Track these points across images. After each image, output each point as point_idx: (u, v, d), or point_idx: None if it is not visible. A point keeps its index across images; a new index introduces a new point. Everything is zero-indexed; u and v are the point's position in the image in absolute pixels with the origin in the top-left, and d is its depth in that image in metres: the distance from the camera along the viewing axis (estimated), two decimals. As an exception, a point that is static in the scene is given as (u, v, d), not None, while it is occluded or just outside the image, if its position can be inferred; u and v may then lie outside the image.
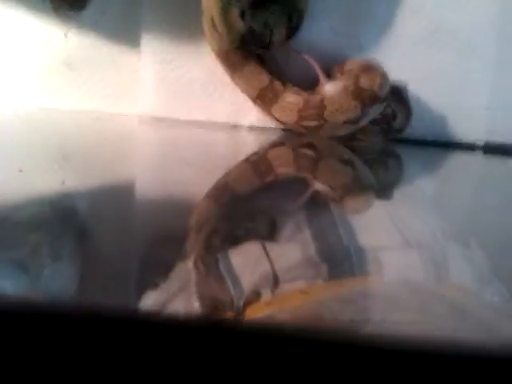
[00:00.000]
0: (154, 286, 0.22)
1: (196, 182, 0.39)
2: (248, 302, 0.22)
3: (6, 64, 0.51)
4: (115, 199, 0.33)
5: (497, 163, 0.52)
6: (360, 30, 0.50)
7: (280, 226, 0.31)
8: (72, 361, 0.15)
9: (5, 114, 0.51)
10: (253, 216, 0.31)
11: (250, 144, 0.52)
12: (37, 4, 0.49)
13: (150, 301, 0.21)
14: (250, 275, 0.24)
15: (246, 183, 0.40)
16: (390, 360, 0.15)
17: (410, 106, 0.49)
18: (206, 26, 0.46)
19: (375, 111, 0.46)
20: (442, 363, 0.15)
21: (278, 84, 0.48)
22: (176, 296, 0.22)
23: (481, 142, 0.51)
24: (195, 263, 0.25)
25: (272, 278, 0.24)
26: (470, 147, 0.51)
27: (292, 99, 0.47)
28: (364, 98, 0.45)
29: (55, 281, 0.22)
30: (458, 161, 0.52)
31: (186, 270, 0.24)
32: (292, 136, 0.50)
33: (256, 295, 0.22)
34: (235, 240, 0.27)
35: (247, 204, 0.36)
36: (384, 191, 0.41)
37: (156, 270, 0.24)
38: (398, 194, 0.40)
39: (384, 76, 0.45)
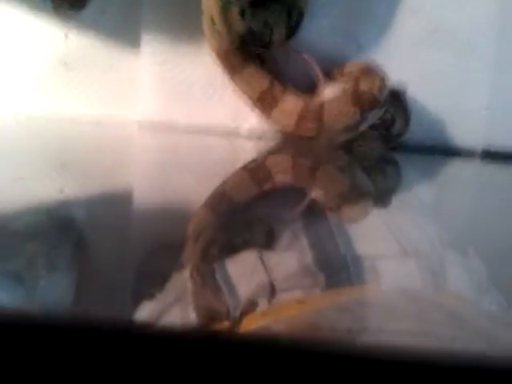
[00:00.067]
0: (151, 296, 0.22)
1: (194, 190, 0.39)
2: (245, 312, 0.21)
3: (5, 64, 0.51)
4: (112, 208, 0.33)
5: (495, 170, 0.51)
6: (360, 29, 0.50)
7: (277, 234, 0.31)
8: (68, 373, 0.15)
9: (4, 119, 0.51)
10: (250, 225, 0.31)
11: (248, 150, 0.52)
12: (37, 4, 0.50)
13: (146, 312, 0.21)
14: (246, 285, 0.24)
15: (243, 191, 0.40)
16: (388, 369, 0.15)
17: (408, 111, 0.49)
18: (206, 25, 0.46)
19: (374, 116, 0.46)
20: (440, 373, 0.15)
21: (278, 87, 0.48)
22: (172, 306, 0.22)
23: (480, 147, 0.51)
24: (192, 273, 0.25)
25: (269, 287, 0.24)
26: (468, 153, 0.51)
27: (292, 103, 0.47)
28: (363, 101, 0.45)
29: (51, 292, 0.22)
30: (456, 168, 0.52)
31: (183, 280, 0.24)
32: (291, 142, 0.50)
33: (253, 305, 0.22)
34: (232, 249, 0.27)
35: (245, 213, 0.36)
36: (382, 199, 0.41)
37: (152, 280, 0.24)
38: (396, 201, 0.40)
39: (384, 79, 0.45)
